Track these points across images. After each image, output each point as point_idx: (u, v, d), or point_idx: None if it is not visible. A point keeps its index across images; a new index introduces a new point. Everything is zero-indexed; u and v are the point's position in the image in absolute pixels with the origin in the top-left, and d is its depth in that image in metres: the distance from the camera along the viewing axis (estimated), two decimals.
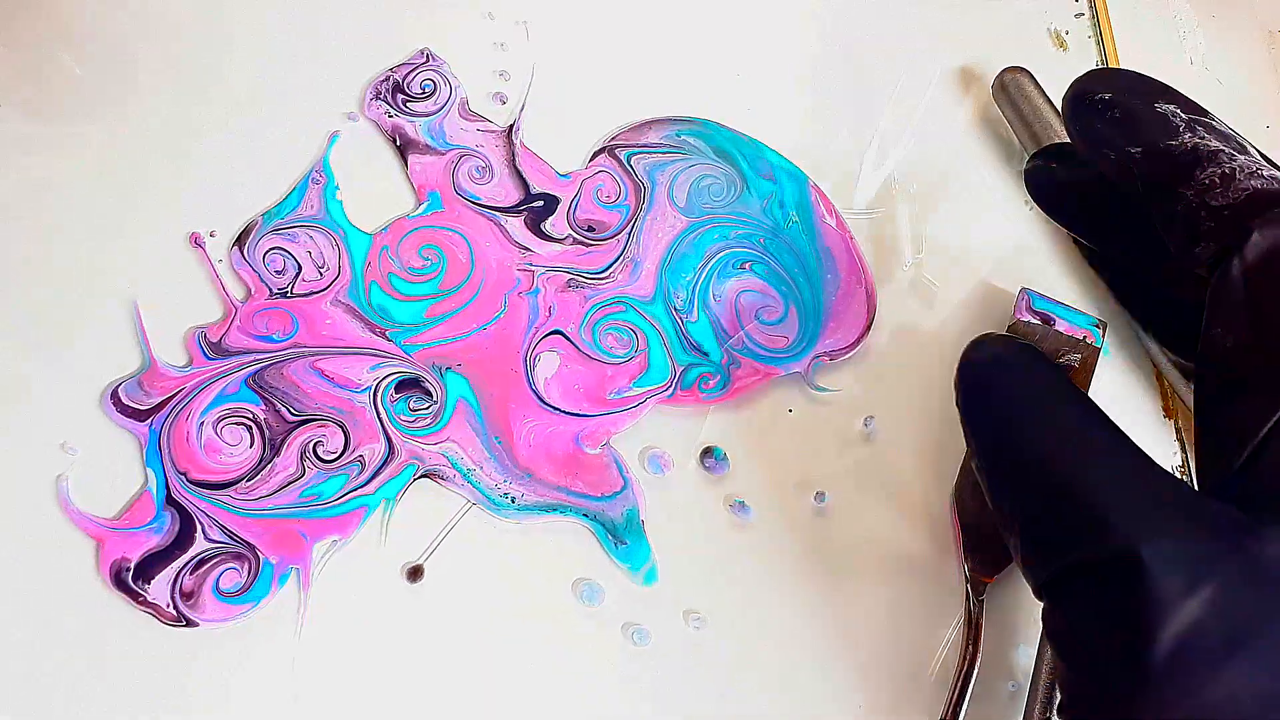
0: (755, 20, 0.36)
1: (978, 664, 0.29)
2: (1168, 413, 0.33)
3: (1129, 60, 0.38)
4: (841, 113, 0.36)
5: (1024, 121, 0.35)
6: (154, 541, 0.28)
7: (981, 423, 0.26)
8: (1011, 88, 0.36)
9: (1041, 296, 0.33)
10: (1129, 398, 0.33)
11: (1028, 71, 0.36)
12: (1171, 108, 0.27)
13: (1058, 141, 0.34)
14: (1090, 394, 0.32)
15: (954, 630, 0.30)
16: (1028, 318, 0.33)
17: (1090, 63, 0.38)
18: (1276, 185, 0.25)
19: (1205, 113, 0.27)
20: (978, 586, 0.30)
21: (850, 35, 0.37)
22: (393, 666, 0.28)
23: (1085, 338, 0.33)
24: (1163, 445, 0.33)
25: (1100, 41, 0.38)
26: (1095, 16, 0.39)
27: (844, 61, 0.36)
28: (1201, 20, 0.39)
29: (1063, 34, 0.38)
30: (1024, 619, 0.30)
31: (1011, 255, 0.34)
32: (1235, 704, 0.20)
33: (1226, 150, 0.26)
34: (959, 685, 0.28)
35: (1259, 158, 0.26)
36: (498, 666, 0.28)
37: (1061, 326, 0.33)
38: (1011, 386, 0.26)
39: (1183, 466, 0.33)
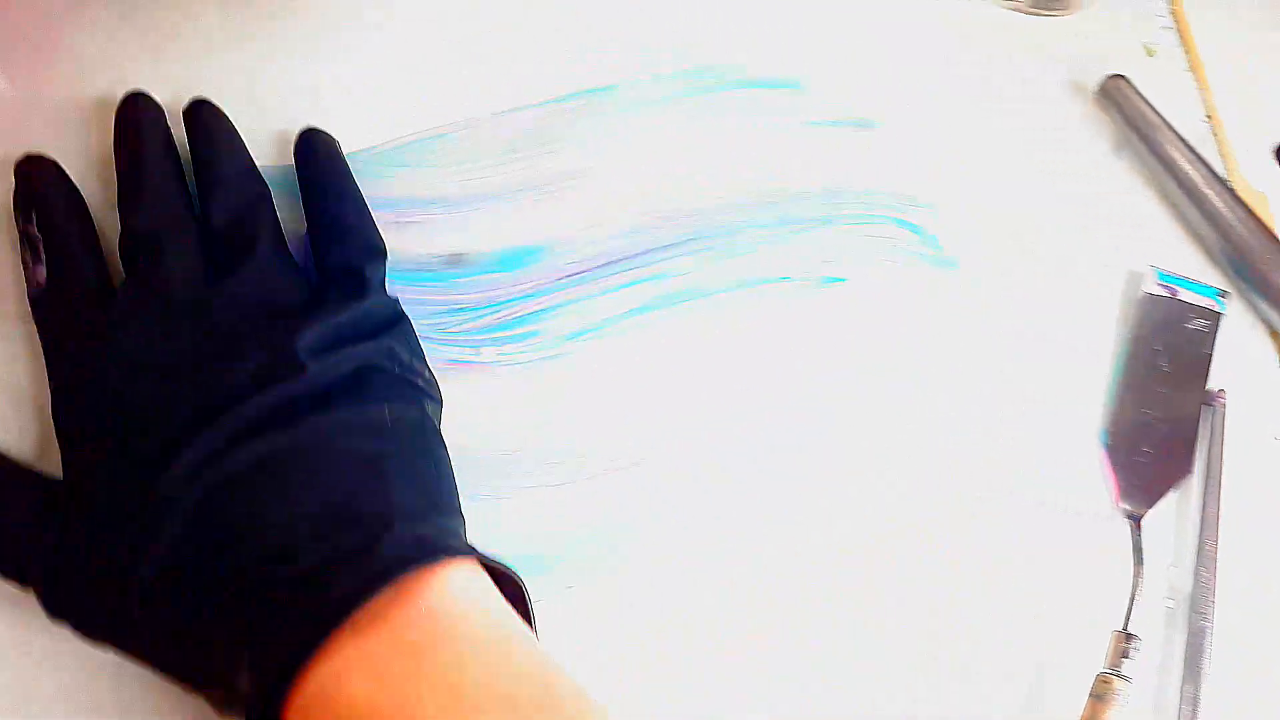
0: (888, 47, 0.42)
1: (1142, 583, 0.33)
2: None
3: (1211, 64, 0.43)
4: (968, 128, 0.41)
5: (1127, 119, 0.41)
6: None
7: None
8: (1114, 92, 0.41)
9: (1167, 271, 0.38)
10: (1250, 351, 0.38)
11: (1126, 78, 0.41)
12: None
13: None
14: (1216, 351, 0.37)
15: (1109, 557, 0.34)
16: (1157, 290, 0.38)
17: (1178, 68, 0.43)
18: None
19: None
20: (1136, 519, 0.34)
21: (972, 59, 0.42)
22: None
23: (1209, 305, 0.37)
24: None
25: (1185, 49, 0.44)
26: (1179, 29, 0.44)
27: (966, 82, 0.42)
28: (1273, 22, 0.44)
29: (1153, 46, 0.43)
30: (1178, 544, 0.35)
31: (1135, 237, 0.39)
32: None
33: None
34: (1131, 602, 0.33)
35: None
36: None
37: (1187, 296, 0.37)
38: None
39: None
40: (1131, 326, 0.37)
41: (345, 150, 0.35)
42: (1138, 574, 0.33)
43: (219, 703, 0.26)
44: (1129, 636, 0.32)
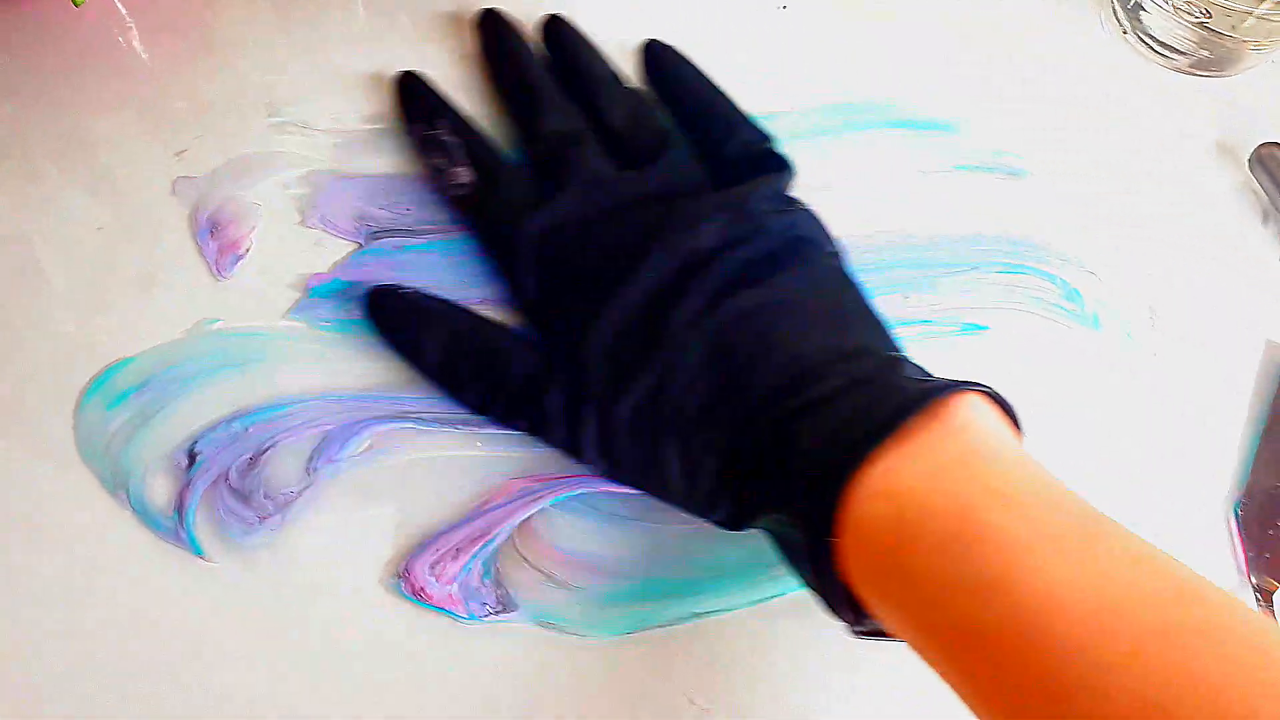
0: (1042, 98, 0.42)
1: None
2: None
3: None
4: (1117, 184, 0.41)
5: (1279, 187, 0.40)
6: None
7: None
8: (1268, 159, 0.41)
9: None
10: None
11: None
12: None
13: None
14: None
15: None
16: None
17: None
18: None
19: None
20: (1266, 594, 0.34)
21: (1125, 115, 0.42)
22: None
23: None
24: None
25: None
26: None
27: (1118, 138, 0.42)
28: None
29: None
30: None
31: (1276, 309, 0.39)
32: None
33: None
34: None
35: None
36: None
37: None
38: None
39: None
40: (1270, 400, 0.37)
41: None
42: None
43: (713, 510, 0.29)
44: None
